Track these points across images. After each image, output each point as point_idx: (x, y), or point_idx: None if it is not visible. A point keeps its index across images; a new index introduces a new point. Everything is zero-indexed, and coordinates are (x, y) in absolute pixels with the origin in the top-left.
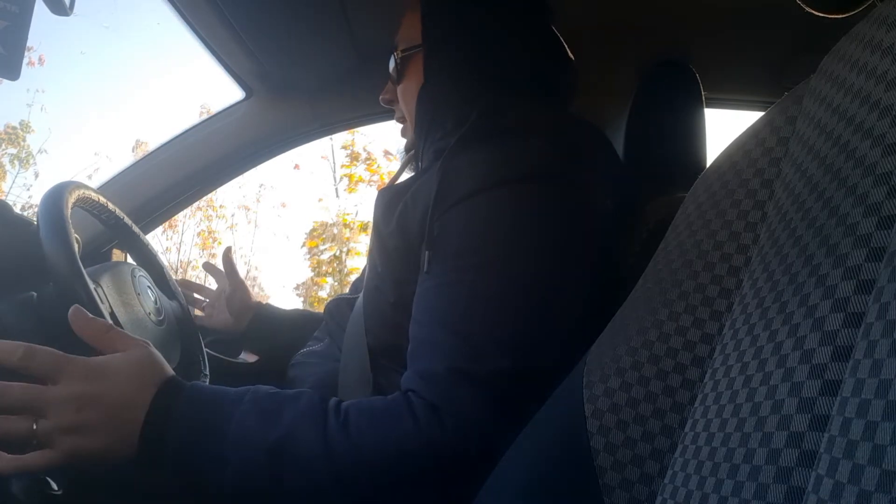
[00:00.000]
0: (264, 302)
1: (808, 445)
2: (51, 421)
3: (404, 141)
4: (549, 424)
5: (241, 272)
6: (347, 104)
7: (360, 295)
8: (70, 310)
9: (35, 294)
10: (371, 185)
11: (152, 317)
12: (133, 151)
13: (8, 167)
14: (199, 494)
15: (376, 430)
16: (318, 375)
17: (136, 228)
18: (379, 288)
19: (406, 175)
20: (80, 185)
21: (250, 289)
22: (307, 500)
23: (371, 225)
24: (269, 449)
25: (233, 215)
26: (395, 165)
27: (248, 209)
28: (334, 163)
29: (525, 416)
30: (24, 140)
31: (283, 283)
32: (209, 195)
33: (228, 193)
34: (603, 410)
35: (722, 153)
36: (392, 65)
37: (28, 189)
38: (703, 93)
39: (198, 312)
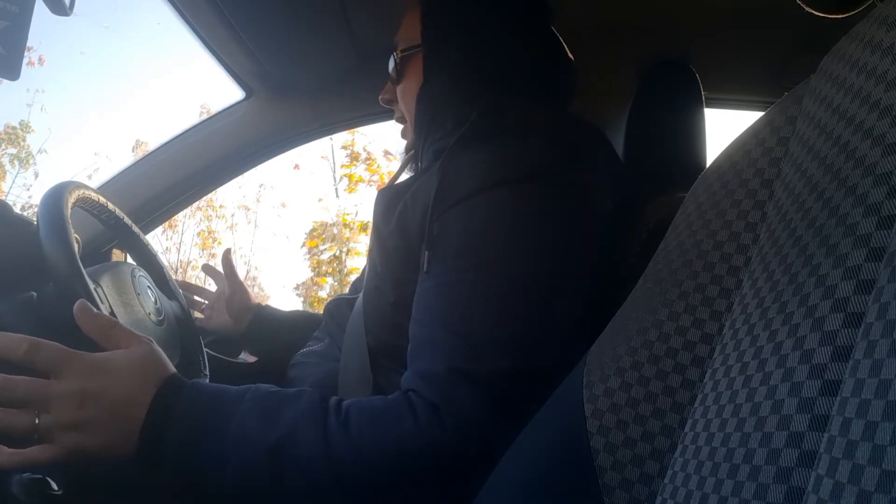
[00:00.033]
0: (264, 303)
1: (808, 445)
2: (52, 416)
3: (404, 141)
4: (549, 424)
5: (241, 272)
6: (347, 104)
7: (360, 295)
8: (75, 304)
9: (35, 294)
10: (371, 185)
11: (152, 317)
12: (133, 151)
13: (8, 167)
14: (199, 494)
15: (376, 429)
16: (317, 375)
17: (136, 228)
18: (379, 288)
19: (406, 175)
20: (79, 185)
21: (250, 289)
22: (307, 500)
23: (371, 225)
24: (269, 449)
25: (233, 215)
26: (395, 165)
27: (248, 209)
28: (334, 163)
29: (525, 416)
30: (24, 140)
31: (282, 283)
32: (209, 195)
33: (228, 193)
34: (603, 410)
35: (722, 153)
36: (392, 65)
37: (28, 189)
38: (703, 93)
39: (197, 314)
